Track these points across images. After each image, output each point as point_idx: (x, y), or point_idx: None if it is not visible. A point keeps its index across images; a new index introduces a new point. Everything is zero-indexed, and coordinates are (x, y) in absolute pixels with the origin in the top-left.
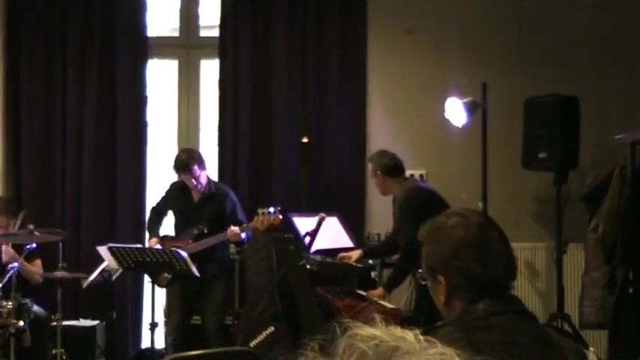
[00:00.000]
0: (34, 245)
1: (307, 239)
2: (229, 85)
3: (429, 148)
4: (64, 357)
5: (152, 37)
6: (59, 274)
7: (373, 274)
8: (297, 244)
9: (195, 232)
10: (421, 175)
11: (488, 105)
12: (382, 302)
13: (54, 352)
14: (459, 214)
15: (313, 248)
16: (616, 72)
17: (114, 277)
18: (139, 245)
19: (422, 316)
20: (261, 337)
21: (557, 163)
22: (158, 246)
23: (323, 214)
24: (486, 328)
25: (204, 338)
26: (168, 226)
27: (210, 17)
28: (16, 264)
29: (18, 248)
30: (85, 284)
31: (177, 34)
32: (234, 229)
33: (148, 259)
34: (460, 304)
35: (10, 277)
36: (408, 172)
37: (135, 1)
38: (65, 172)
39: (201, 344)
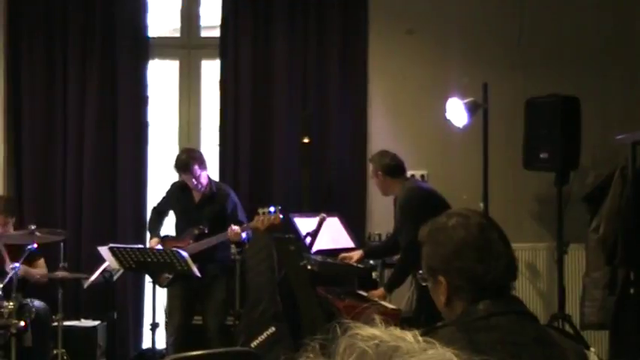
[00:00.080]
0: (35, 246)
1: (308, 239)
2: (230, 85)
3: (429, 148)
4: (65, 357)
5: (153, 38)
6: (60, 274)
7: (374, 274)
8: (298, 244)
9: (196, 232)
10: (422, 176)
11: (489, 105)
12: (383, 303)
13: (55, 352)
14: (459, 215)
15: (314, 248)
16: (617, 72)
17: (115, 278)
18: (140, 245)
19: (423, 317)
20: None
21: (558, 163)
22: (159, 246)
23: (324, 215)
24: (487, 329)
25: (205, 339)
26: (169, 226)
27: (211, 17)
28: (17, 264)
29: (19, 249)
30: (86, 284)
31: (178, 35)
32: (235, 228)
33: (149, 260)
34: (461, 305)
35: (11, 278)
36: (409, 173)
37: (136, 2)
38: (66, 172)
39: (202, 345)
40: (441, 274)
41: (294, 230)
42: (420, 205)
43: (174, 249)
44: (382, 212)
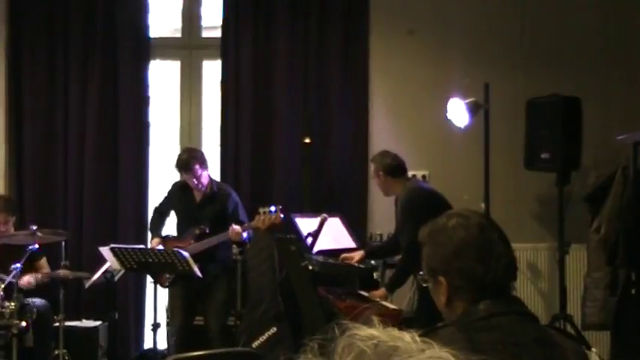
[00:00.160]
0: (37, 246)
1: (309, 240)
2: (231, 85)
3: (431, 148)
4: (66, 357)
5: (154, 38)
6: (61, 274)
7: (375, 274)
8: (299, 244)
9: (197, 232)
10: (423, 176)
11: (490, 106)
12: (384, 303)
13: (56, 352)
14: (459, 215)
15: (315, 249)
16: (618, 72)
17: (116, 278)
18: (141, 246)
19: (424, 317)
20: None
21: (559, 163)
22: (160, 246)
23: (325, 215)
24: (488, 329)
25: (207, 339)
26: (170, 226)
27: (212, 18)
28: (18, 265)
29: (20, 249)
30: (87, 285)
31: (179, 35)
32: (236, 228)
33: (150, 260)
34: (461, 305)
35: (13, 278)
36: (410, 173)
37: (137, 2)
38: (67, 172)
39: (203, 345)
40: (441, 274)
41: (296, 230)
42: (422, 206)
43: (176, 249)
44: (383, 212)
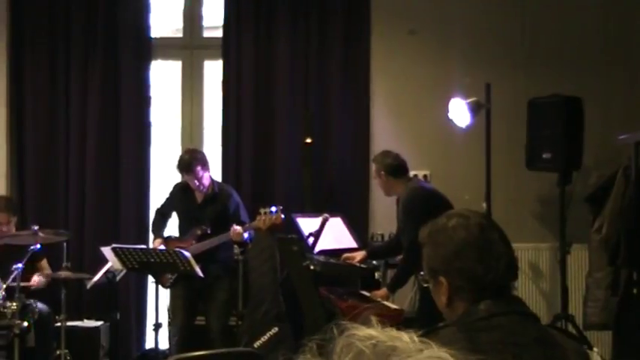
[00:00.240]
0: (38, 246)
1: (311, 240)
2: (232, 85)
3: (432, 148)
4: (67, 358)
5: (156, 38)
6: (63, 274)
7: (377, 274)
8: (301, 244)
9: (199, 232)
10: (424, 176)
11: (492, 105)
12: (386, 303)
13: (58, 352)
14: (459, 215)
15: (317, 249)
16: (619, 72)
17: (118, 278)
18: (143, 246)
19: (425, 317)
20: (265, 337)
21: (560, 163)
22: (162, 247)
23: (326, 215)
24: (488, 329)
25: (208, 339)
26: (172, 226)
27: (213, 18)
28: (20, 265)
29: (22, 249)
30: (89, 285)
31: (180, 35)
32: (237, 228)
33: (152, 260)
34: (462, 305)
35: (14, 278)
36: (411, 173)
37: (138, 2)
38: (69, 172)
39: (205, 345)
40: (441, 274)
41: (297, 230)
42: (423, 206)
43: (177, 249)
44: (385, 212)
